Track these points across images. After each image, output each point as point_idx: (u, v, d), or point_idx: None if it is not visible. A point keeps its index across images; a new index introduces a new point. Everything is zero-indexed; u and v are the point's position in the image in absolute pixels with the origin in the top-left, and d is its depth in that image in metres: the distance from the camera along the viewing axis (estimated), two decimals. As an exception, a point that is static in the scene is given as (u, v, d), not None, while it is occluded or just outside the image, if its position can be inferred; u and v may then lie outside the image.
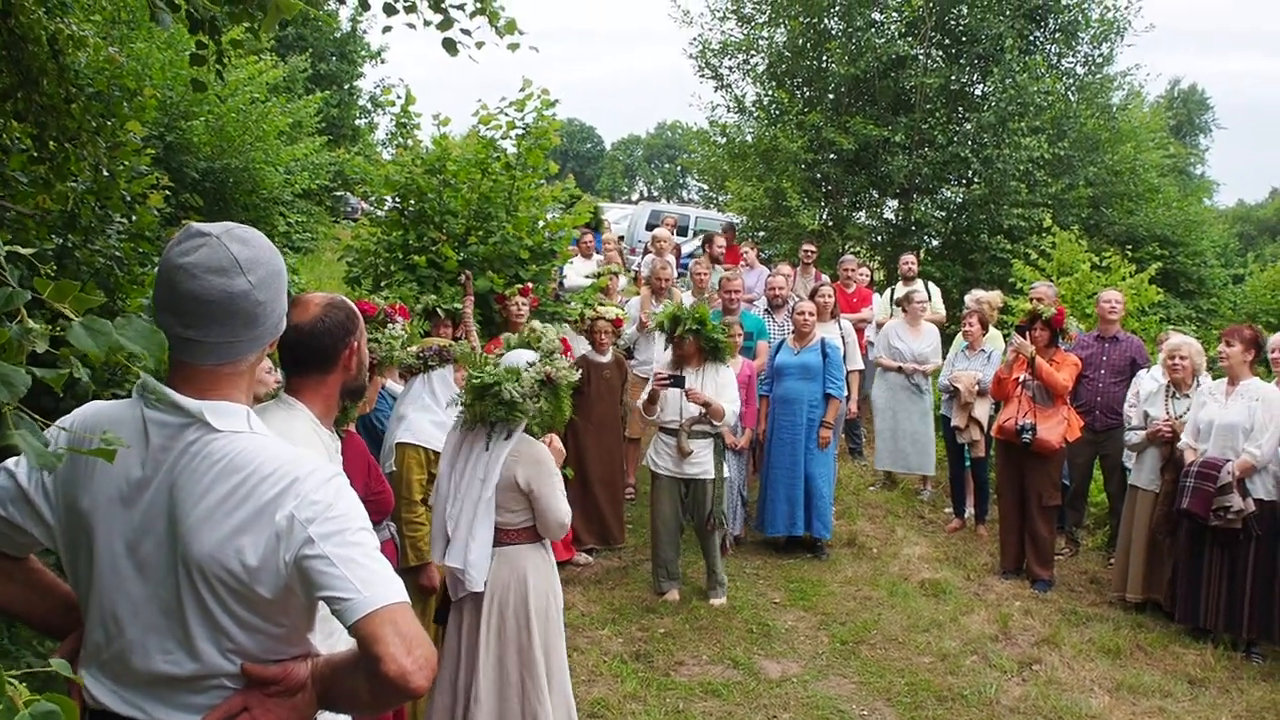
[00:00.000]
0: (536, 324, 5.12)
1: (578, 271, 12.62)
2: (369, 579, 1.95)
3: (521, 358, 4.78)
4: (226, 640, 2.04)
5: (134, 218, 5.91)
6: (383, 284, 8.53)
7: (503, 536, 4.69)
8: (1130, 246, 16.02)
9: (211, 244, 2.06)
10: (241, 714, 2.05)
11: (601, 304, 8.96)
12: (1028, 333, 8.06)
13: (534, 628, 4.66)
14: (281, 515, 1.97)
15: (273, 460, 2.02)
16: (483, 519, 4.60)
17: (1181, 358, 7.61)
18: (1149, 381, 8.04)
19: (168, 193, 6.48)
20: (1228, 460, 6.89)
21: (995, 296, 10.23)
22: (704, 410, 7.17)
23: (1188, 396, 7.58)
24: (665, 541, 7.54)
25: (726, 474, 7.42)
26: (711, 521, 7.41)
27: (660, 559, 7.60)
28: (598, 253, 13.42)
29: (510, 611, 4.67)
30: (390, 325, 4.87)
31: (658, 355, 8.62)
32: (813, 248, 12.74)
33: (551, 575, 4.84)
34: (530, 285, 8.27)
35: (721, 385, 7.30)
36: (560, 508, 4.69)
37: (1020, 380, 8.06)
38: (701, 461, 7.34)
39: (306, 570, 1.95)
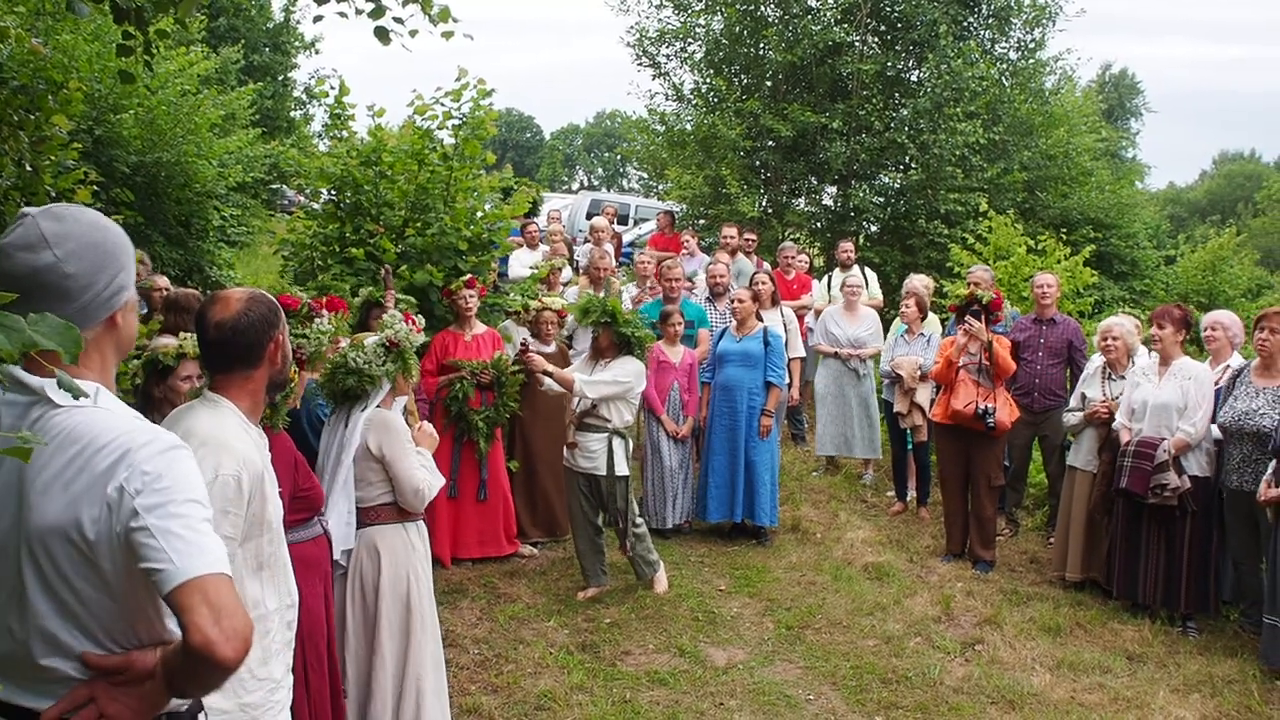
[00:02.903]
0: (387, 316, 5.22)
1: (521, 262, 12.55)
2: (185, 550, 1.95)
3: (370, 340, 4.92)
4: (72, 623, 2.05)
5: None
6: (318, 276, 8.41)
7: (364, 516, 4.80)
8: (1065, 229, 16.21)
9: (26, 223, 2.12)
10: (88, 705, 2.05)
11: (546, 295, 8.94)
12: (981, 316, 8.12)
13: (383, 606, 4.76)
14: (112, 487, 1.98)
15: (108, 432, 2.03)
16: (340, 488, 4.68)
17: (1114, 338, 7.73)
18: (1096, 362, 8.15)
19: (97, 188, 6.37)
20: (1163, 439, 7.01)
21: (928, 282, 10.31)
22: (588, 399, 7.10)
23: (1123, 377, 7.69)
24: (575, 535, 7.51)
25: (623, 472, 7.24)
26: (607, 517, 7.38)
27: (576, 552, 7.56)
28: (543, 243, 13.37)
29: (369, 589, 4.78)
30: (317, 320, 4.83)
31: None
32: (752, 235, 12.77)
33: (413, 557, 4.90)
34: (475, 276, 8.21)
35: (615, 368, 7.13)
36: (414, 475, 4.77)
37: (962, 364, 8.13)
38: (592, 456, 7.22)
39: (131, 543, 1.96)
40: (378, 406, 4.86)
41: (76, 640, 2.06)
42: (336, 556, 4.67)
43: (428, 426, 5.17)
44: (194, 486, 2.06)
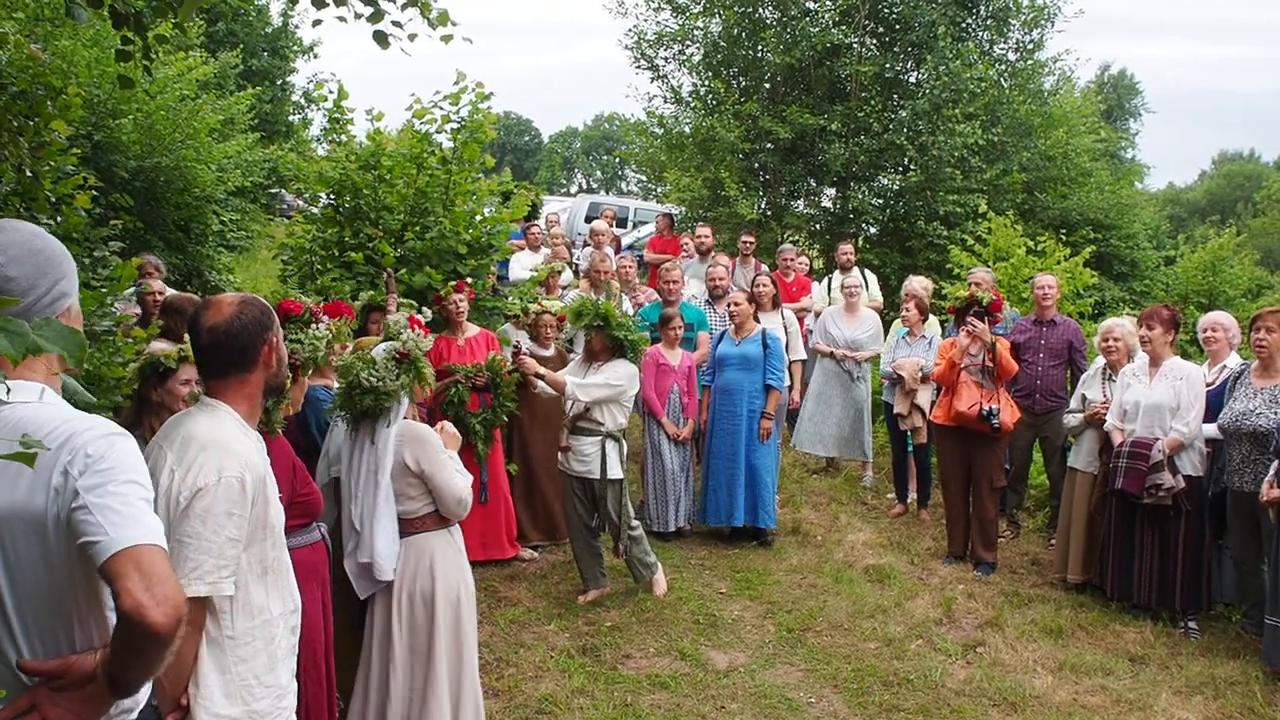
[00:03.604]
0: (391, 317, 5.23)
1: (522, 265, 12.55)
2: (119, 522, 2.03)
3: (378, 350, 4.89)
4: (17, 619, 2.11)
5: (61, 219, 5.79)
6: (317, 280, 8.41)
7: (407, 526, 4.76)
8: (1064, 230, 16.21)
9: None
10: (29, 713, 2.08)
11: (545, 299, 8.93)
12: (985, 318, 8.12)
13: (439, 615, 4.72)
14: (58, 471, 2.06)
15: (51, 421, 2.13)
16: (384, 508, 4.65)
17: (1115, 339, 7.73)
18: (1097, 363, 8.15)
19: (96, 193, 6.35)
20: (1157, 439, 7.01)
21: (926, 284, 10.31)
22: (580, 402, 7.07)
23: (1124, 378, 7.70)
24: (572, 539, 7.50)
25: (617, 476, 7.22)
26: (600, 521, 7.36)
27: (574, 556, 7.55)
28: (545, 246, 13.37)
29: (419, 599, 4.73)
30: (314, 325, 4.80)
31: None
32: (751, 238, 12.75)
33: (460, 564, 4.87)
34: (466, 281, 8.21)
35: (608, 370, 7.12)
36: (455, 484, 4.72)
37: (964, 365, 8.12)
38: (585, 459, 7.21)
39: (73, 522, 2.04)
40: (404, 418, 4.83)
41: (19, 640, 2.12)
42: (389, 577, 4.66)
43: (449, 427, 5.11)
44: (135, 469, 2.14)
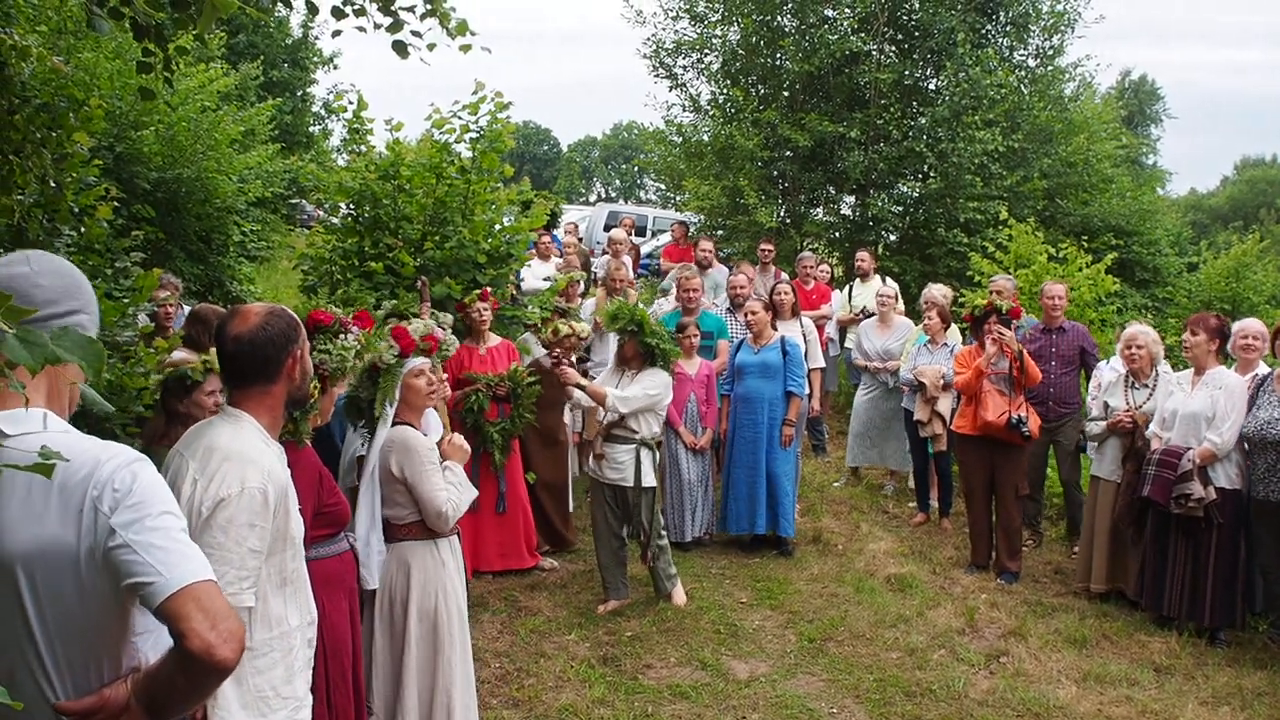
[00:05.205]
0: (415, 324, 5.25)
1: (536, 274, 12.55)
2: (170, 560, 2.00)
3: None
4: (48, 654, 2.08)
5: (83, 230, 5.82)
6: (338, 290, 8.43)
7: (394, 532, 4.82)
8: (1086, 237, 16.10)
9: (15, 254, 2.25)
10: None
11: (563, 308, 8.89)
12: (1011, 325, 8.09)
13: (410, 623, 4.75)
14: (86, 507, 2.03)
15: (68, 452, 2.05)
16: (364, 511, 4.70)
17: (1138, 347, 7.67)
18: (1109, 372, 8.09)
19: (118, 204, 6.40)
20: (1189, 448, 6.93)
21: (945, 291, 10.25)
22: (615, 409, 7.07)
23: (1146, 386, 7.64)
24: (599, 547, 7.47)
25: (650, 483, 7.22)
26: (631, 529, 7.33)
27: (599, 564, 7.54)
28: (558, 255, 13.37)
29: (398, 605, 4.78)
30: (343, 336, 4.80)
31: (611, 356, 8.60)
32: (770, 246, 12.74)
33: (442, 574, 4.87)
34: (489, 289, 8.20)
35: (644, 380, 7.16)
36: (436, 497, 4.73)
37: (986, 374, 8.08)
38: (619, 467, 7.20)
39: (113, 561, 2.01)
40: (399, 424, 4.84)
41: (52, 675, 2.09)
42: (369, 585, 4.69)
43: (458, 439, 5.10)
44: (164, 499, 2.11)
